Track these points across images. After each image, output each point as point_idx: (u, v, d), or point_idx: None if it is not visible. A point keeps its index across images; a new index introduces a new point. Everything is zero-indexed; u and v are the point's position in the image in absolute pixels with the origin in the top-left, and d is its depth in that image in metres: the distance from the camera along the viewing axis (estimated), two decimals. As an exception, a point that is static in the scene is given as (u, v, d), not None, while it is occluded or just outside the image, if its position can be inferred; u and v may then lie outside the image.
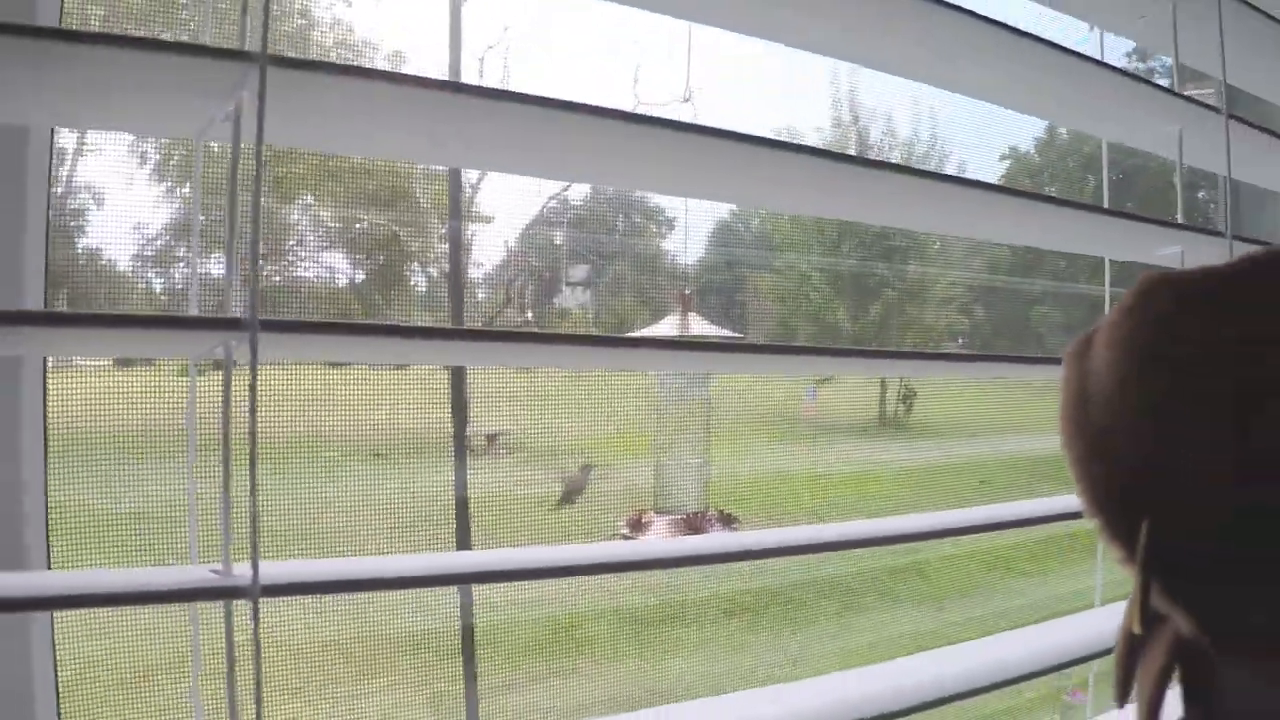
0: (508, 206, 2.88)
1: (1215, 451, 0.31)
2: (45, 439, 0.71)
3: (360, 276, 2.67)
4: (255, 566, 0.52)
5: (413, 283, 2.85)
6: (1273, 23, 1.05)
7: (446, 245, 2.81)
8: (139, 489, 1.68)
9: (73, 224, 2.07)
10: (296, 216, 2.62)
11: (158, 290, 2.47)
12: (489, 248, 2.92)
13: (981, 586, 3.59)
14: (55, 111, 0.63)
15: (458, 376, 2.26)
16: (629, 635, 2.87)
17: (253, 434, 0.51)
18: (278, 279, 2.66)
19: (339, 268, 2.69)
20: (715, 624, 3.09)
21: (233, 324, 0.50)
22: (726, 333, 3.56)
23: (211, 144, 0.63)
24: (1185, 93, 0.95)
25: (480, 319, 2.94)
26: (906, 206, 0.83)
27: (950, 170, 4.01)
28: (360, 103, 0.59)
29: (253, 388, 0.51)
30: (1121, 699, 0.37)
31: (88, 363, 1.50)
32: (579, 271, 3.04)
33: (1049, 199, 0.79)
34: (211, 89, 0.54)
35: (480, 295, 3.00)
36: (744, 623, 3.13)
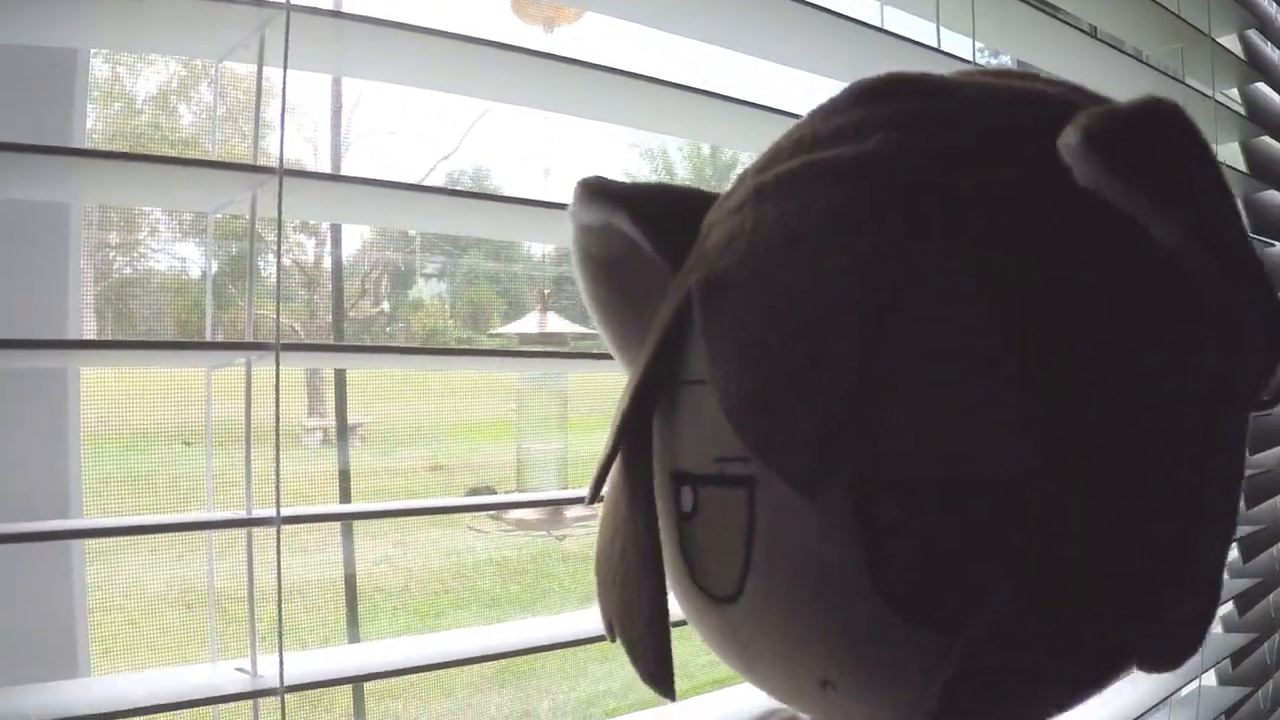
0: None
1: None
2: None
3: (214, 267, 2.69)
4: (278, 504, 0.72)
5: (267, 274, 2.90)
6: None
7: (301, 235, 2.86)
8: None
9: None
10: (149, 206, 2.63)
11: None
12: (345, 238, 2.99)
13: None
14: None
15: (339, 376, 2.34)
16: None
17: (277, 420, 0.73)
18: (128, 270, 2.64)
19: (190, 258, 2.69)
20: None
21: (260, 346, 0.72)
22: (580, 328, 3.70)
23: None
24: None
25: (335, 309, 2.98)
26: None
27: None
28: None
29: (276, 389, 0.73)
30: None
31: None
32: (434, 263, 3.14)
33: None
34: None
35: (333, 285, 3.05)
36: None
